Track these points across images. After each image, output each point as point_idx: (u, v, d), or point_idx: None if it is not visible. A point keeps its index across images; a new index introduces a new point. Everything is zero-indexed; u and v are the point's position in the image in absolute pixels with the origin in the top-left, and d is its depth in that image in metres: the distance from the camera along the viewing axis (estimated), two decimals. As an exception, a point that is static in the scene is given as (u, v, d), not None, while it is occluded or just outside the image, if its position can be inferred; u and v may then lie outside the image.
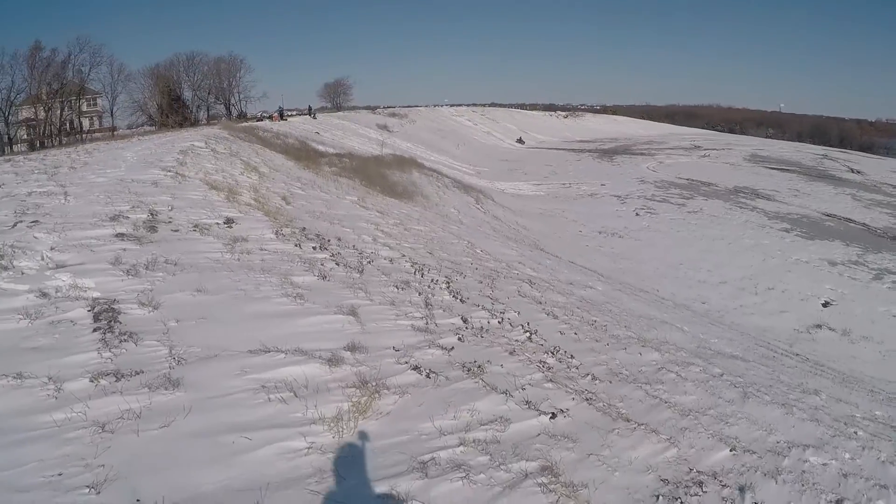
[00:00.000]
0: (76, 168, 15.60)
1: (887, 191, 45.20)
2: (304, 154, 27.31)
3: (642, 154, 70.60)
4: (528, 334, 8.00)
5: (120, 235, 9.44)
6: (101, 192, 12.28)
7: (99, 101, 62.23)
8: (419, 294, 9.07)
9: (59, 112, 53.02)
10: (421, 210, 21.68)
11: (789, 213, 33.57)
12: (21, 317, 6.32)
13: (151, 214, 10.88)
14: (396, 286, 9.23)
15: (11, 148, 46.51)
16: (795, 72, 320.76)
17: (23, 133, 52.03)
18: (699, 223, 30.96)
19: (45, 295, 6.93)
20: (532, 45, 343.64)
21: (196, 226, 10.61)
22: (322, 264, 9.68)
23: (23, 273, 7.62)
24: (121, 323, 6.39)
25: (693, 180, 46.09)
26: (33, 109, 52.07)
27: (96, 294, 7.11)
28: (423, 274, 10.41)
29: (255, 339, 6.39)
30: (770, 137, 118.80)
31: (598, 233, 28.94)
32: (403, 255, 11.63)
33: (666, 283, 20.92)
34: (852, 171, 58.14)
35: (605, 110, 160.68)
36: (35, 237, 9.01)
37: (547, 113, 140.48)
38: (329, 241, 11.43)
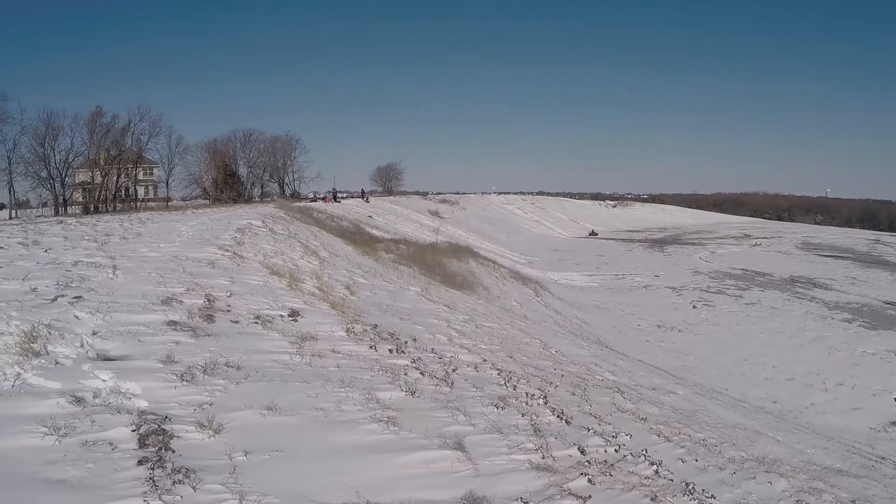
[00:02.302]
0: (128, 239, 14.59)
1: (946, 275, 42.95)
2: (360, 238, 26.53)
3: (693, 244, 70.14)
4: (653, 467, 6.70)
5: (172, 324, 8.13)
6: (153, 268, 11.15)
7: (155, 170, 62.85)
8: (522, 415, 7.64)
9: (115, 178, 53.42)
10: (485, 304, 20.45)
11: (849, 303, 31.89)
12: (47, 430, 4.89)
13: (208, 300, 9.60)
14: (495, 405, 7.76)
15: (66, 209, 46.71)
16: (839, 155, 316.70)
17: (78, 195, 52.35)
18: (758, 316, 29.53)
19: (79, 401, 5.49)
20: (578, 135, 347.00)
21: (258, 317, 9.29)
22: (405, 373, 8.23)
23: (57, 363, 6.33)
24: (173, 451, 4.89)
25: (747, 270, 44.87)
26: (90, 173, 52.50)
27: (143, 405, 5.65)
28: (515, 386, 8.97)
29: (348, 485, 4.85)
30: (819, 223, 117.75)
31: (657, 327, 27.61)
32: (485, 360, 10.28)
33: (733, 381, 19.47)
34: (907, 255, 55.93)
35: (652, 199, 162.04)
36: (76, 316, 7.83)
37: (596, 202, 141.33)
38: (405, 342, 10.02)
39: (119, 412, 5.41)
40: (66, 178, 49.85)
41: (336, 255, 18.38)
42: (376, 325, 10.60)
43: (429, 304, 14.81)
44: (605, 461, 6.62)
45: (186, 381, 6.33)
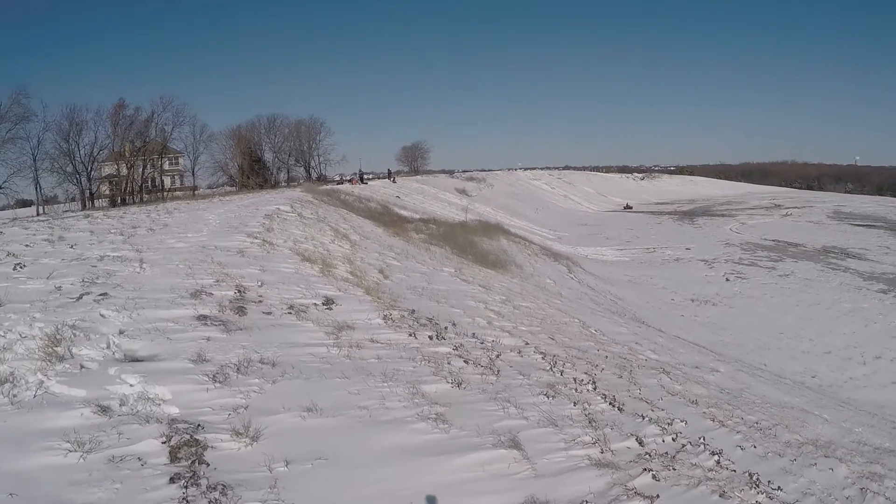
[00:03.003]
0: (155, 230, 14.24)
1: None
2: (389, 220, 26.08)
3: (723, 215, 68.83)
4: (714, 457, 6.39)
5: (202, 318, 7.76)
6: (180, 260, 10.77)
7: (181, 160, 62.85)
8: (574, 404, 7.22)
9: (141, 169, 53.53)
10: (520, 282, 20.00)
11: (884, 273, 30.84)
12: (70, 446, 4.50)
13: (239, 291, 9.22)
14: (545, 394, 7.34)
15: (93, 203, 46.88)
16: (867, 122, 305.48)
17: (105, 189, 52.51)
18: (792, 288, 28.86)
19: (105, 410, 5.10)
20: (602, 108, 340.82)
21: (291, 307, 8.89)
22: (449, 362, 7.80)
23: (82, 367, 5.97)
24: (208, 465, 4.47)
25: (779, 241, 43.84)
26: (116, 166, 52.65)
27: (174, 411, 5.24)
28: (561, 372, 8.55)
29: (398, 495, 4.45)
30: (849, 192, 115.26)
31: (691, 301, 27.10)
32: (527, 343, 9.86)
33: (770, 355, 19.10)
34: (941, 223, 54.14)
35: (680, 171, 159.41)
36: (102, 315, 7.50)
37: (623, 175, 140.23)
38: (445, 328, 9.60)
39: (148, 421, 5.01)
40: (92, 172, 49.90)
41: (367, 238, 17.96)
42: (413, 311, 10.17)
43: (464, 285, 14.36)
44: (666, 453, 6.30)
45: (219, 382, 5.92)
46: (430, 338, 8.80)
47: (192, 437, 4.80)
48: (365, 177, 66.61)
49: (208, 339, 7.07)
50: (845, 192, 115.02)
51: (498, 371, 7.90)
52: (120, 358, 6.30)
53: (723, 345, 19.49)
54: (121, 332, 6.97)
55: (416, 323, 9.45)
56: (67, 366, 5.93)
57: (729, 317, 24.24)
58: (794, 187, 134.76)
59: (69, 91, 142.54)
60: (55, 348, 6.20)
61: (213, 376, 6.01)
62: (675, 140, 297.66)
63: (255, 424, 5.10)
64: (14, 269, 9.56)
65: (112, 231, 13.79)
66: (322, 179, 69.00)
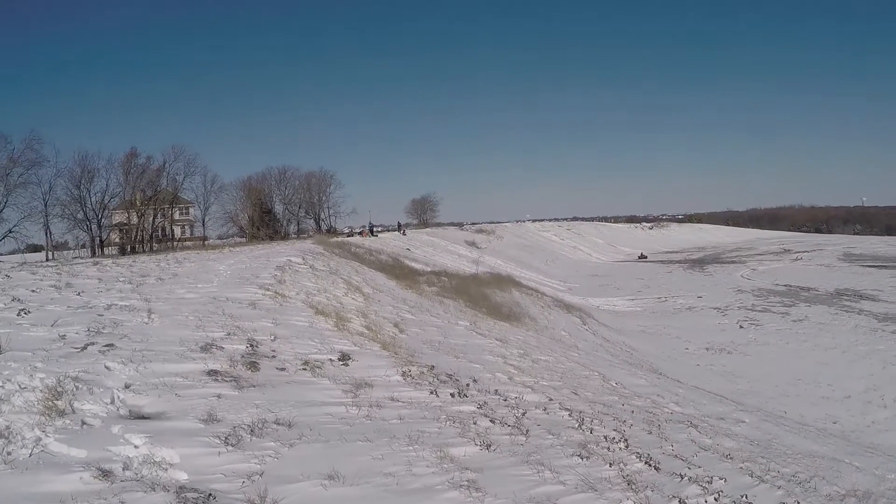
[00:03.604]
0: (164, 280, 13.97)
1: None
2: (401, 272, 25.94)
3: (733, 262, 68.52)
4: None
5: (213, 374, 7.38)
6: (190, 311, 10.48)
7: (191, 210, 63.34)
8: (609, 465, 6.78)
9: (151, 218, 53.85)
10: (535, 335, 19.70)
11: None
12: (67, 517, 4.02)
13: (251, 345, 8.87)
14: (578, 455, 6.89)
15: (102, 250, 47.04)
16: (872, 162, 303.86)
17: (115, 236, 52.77)
18: (807, 332, 28.28)
19: (106, 475, 4.65)
20: (607, 158, 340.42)
21: (306, 363, 8.53)
22: (475, 422, 7.36)
23: (83, 423, 5.58)
24: (220, 543, 4.00)
25: (791, 286, 43.27)
26: (126, 214, 52.99)
27: (182, 477, 4.79)
28: (591, 430, 8.15)
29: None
30: (858, 234, 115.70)
31: (706, 349, 26.59)
32: (551, 399, 9.49)
33: (789, 402, 18.65)
34: (952, 262, 53.79)
35: (688, 219, 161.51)
36: (107, 367, 7.14)
37: (632, 225, 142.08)
38: (467, 384, 9.20)
39: (153, 489, 4.54)
40: (103, 220, 50.38)
41: (380, 291, 17.65)
42: (433, 367, 9.77)
43: (480, 339, 14.03)
44: (713, 514, 5.85)
45: (232, 445, 5.47)
46: (453, 395, 8.40)
47: (202, 508, 4.32)
48: (375, 229, 66.91)
49: (219, 396, 6.67)
50: (854, 234, 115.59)
51: (527, 431, 7.48)
52: (125, 414, 5.92)
53: (741, 393, 19.16)
54: (126, 387, 6.61)
55: (436, 380, 9.06)
56: (68, 422, 5.55)
57: (745, 365, 23.86)
58: (803, 231, 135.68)
59: (81, 138, 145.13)
60: (56, 402, 5.84)
61: (226, 438, 5.57)
62: (682, 188, 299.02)
63: (272, 494, 4.63)
64: (18, 314, 9.32)
65: (121, 279, 13.55)
66: (332, 232, 69.30)
